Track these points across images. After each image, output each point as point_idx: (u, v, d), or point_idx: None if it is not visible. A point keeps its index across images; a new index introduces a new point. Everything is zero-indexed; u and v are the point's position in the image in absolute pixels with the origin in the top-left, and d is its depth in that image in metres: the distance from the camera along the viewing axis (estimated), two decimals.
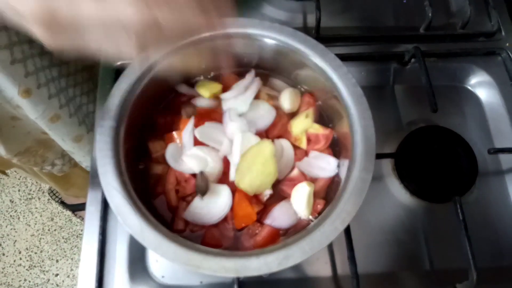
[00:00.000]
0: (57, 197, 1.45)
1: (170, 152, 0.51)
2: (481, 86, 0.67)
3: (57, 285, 1.39)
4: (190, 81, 0.58)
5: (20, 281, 1.39)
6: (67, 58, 0.65)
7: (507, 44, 0.68)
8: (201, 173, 0.50)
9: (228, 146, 0.51)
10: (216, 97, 0.56)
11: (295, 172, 0.52)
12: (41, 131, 0.70)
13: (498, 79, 0.66)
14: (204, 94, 0.55)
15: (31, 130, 0.70)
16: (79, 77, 0.71)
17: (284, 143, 0.54)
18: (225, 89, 0.56)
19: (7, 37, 0.51)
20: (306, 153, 0.54)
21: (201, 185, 0.49)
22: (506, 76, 0.66)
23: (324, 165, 0.52)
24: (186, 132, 0.52)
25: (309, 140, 0.54)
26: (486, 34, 0.69)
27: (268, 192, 0.51)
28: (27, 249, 1.43)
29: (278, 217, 0.50)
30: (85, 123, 0.73)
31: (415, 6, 0.70)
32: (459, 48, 0.67)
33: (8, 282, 1.38)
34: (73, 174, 0.94)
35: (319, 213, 0.49)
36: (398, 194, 0.59)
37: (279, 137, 0.55)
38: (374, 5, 0.72)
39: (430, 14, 0.65)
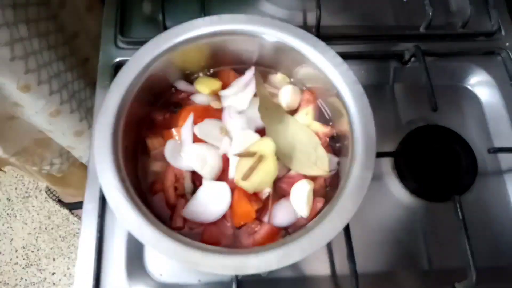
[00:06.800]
0: (54, 195, 1.44)
1: (169, 149, 0.51)
2: (481, 85, 0.66)
3: (54, 284, 1.38)
4: (189, 78, 0.57)
5: (16, 279, 1.38)
6: None
7: (507, 44, 0.68)
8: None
9: (227, 143, 0.51)
10: (216, 94, 0.56)
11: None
12: (38, 130, 0.70)
13: (498, 79, 0.66)
14: (203, 91, 0.55)
15: (28, 129, 0.69)
16: (80, 70, 0.70)
17: None
18: (225, 86, 0.56)
19: (9, 34, 0.50)
20: None
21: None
22: (506, 75, 0.66)
23: None
24: (185, 129, 0.51)
25: None
26: (486, 34, 0.69)
27: (267, 190, 0.50)
28: (23, 247, 1.42)
29: (277, 215, 0.49)
30: (87, 119, 0.73)
31: (415, 5, 0.70)
32: (459, 47, 0.67)
33: (5, 281, 1.37)
34: (70, 174, 0.93)
35: (319, 212, 0.49)
36: (398, 193, 0.59)
37: None
38: (374, 3, 0.72)
39: (430, 13, 0.65)
